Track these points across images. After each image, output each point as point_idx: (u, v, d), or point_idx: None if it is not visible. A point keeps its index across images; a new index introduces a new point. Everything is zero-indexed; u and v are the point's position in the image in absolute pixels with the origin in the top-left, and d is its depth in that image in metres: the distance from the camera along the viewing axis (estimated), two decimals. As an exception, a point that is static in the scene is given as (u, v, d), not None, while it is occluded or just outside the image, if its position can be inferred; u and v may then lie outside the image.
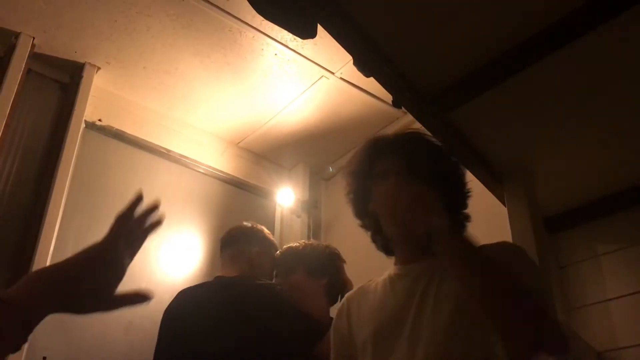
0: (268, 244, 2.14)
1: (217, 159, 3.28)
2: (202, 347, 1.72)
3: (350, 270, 2.52)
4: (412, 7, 1.35)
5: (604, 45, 1.41)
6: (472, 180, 1.88)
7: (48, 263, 2.35)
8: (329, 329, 1.41)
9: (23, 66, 2.57)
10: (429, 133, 1.41)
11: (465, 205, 1.32)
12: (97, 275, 0.75)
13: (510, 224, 1.71)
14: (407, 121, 3.06)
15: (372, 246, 2.99)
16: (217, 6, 2.48)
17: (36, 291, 0.71)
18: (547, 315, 1.04)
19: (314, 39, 2.59)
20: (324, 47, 2.66)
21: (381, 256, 2.96)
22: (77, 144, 2.65)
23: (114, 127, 2.88)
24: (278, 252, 2.12)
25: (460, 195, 1.32)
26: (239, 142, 3.35)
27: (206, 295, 1.90)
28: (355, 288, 1.40)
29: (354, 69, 1.61)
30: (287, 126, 3.20)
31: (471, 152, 1.75)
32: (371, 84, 2.83)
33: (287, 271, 2.01)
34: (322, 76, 2.84)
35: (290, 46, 2.67)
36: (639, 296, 1.93)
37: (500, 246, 1.23)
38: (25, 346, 2.17)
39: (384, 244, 1.34)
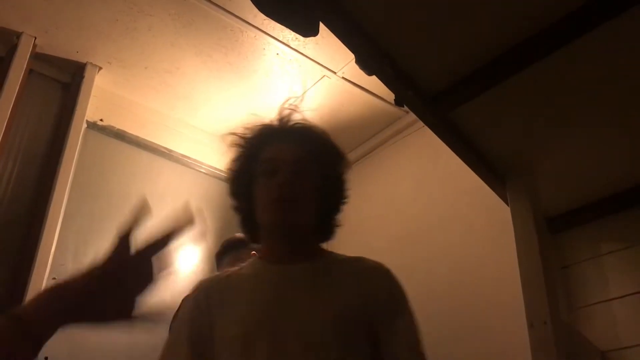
0: None
1: (219, 158, 3.27)
2: None
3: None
4: (414, 5, 1.35)
5: (607, 44, 1.40)
6: (475, 179, 1.90)
7: (49, 263, 2.35)
8: None
9: (24, 66, 2.57)
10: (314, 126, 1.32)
11: (338, 210, 1.28)
12: (107, 291, 0.73)
13: (513, 223, 1.70)
14: (409, 120, 3.05)
15: (374, 247, 2.99)
16: (219, 5, 2.47)
17: (47, 307, 0.70)
18: None
19: (316, 38, 2.62)
20: (326, 46, 2.66)
21: (382, 257, 2.94)
22: (79, 144, 2.65)
23: (115, 127, 2.88)
24: None
25: (338, 200, 1.28)
26: (240, 142, 3.34)
27: None
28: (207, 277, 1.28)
29: (356, 68, 1.61)
30: (288, 126, 3.19)
31: (473, 151, 1.74)
32: (373, 83, 2.83)
33: None
34: (324, 76, 2.83)
35: (292, 46, 2.67)
36: (642, 295, 1.92)
37: (374, 266, 1.23)
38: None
39: (252, 231, 1.26)
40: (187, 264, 2.94)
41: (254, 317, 1.10)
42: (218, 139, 3.29)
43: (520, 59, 1.44)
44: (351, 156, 3.38)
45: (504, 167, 1.81)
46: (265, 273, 1.19)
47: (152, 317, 0.75)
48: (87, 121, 2.76)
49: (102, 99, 2.86)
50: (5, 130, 2.42)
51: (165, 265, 0.78)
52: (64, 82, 2.82)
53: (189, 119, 3.16)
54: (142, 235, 0.75)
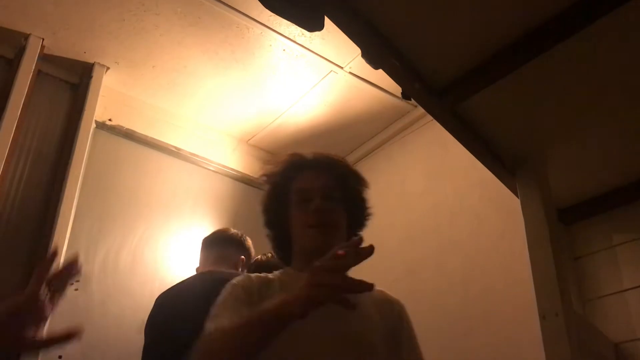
0: (251, 255, 2.21)
1: (228, 156, 3.28)
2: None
3: (360, 267, 2.51)
4: (420, -3, 1.34)
5: (618, 32, 1.39)
6: (484, 172, 1.88)
7: (61, 263, 2.37)
8: None
9: (33, 68, 2.59)
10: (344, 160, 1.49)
11: (363, 226, 1.45)
12: (18, 323, 0.86)
13: (523, 214, 1.69)
14: (417, 114, 3.04)
15: (384, 243, 2.99)
16: (225, 3, 2.47)
17: None
18: None
19: (322, 33, 2.61)
20: (332, 41, 2.65)
21: (391, 253, 2.95)
22: (88, 144, 2.66)
23: (124, 127, 2.89)
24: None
25: (363, 220, 1.45)
26: (249, 140, 3.35)
27: (200, 287, 1.86)
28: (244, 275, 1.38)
29: (363, 63, 1.60)
30: (297, 122, 3.19)
31: (482, 144, 1.73)
32: (380, 78, 2.82)
33: None
34: (331, 71, 2.83)
35: (298, 41, 2.66)
36: (655, 286, 1.90)
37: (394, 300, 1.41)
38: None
39: (286, 256, 1.40)
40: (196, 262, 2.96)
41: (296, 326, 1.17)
42: (226, 136, 3.30)
43: (528, 49, 1.42)
44: (360, 151, 3.38)
45: (513, 159, 1.80)
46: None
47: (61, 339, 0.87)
48: (95, 121, 2.78)
49: (111, 98, 2.87)
50: (15, 131, 2.44)
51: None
52: (72, 82, 2.83)
53: (197, 117, 3.16)
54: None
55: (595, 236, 2.11)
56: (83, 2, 2.48)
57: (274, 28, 2.59)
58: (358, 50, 1.50)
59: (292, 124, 3.21)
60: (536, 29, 1.39)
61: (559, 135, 1.76)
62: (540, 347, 1.50)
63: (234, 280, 1.30)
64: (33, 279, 0.92)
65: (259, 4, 1.40)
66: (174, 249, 2.82)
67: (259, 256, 2.20)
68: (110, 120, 2.85)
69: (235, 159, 3.30)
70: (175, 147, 3.06)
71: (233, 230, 2.29)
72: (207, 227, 3.03)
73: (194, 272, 2.23)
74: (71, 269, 0.94)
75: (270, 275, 1.34)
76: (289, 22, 2.48)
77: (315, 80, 2.89)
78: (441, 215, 2.73)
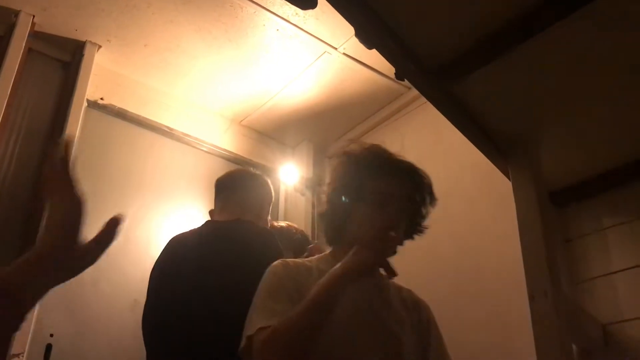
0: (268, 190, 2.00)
1: (221, 137, 3.27)
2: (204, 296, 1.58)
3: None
4: (415, -24, 1.33)
5: (610, 13, 1.38)
6: (477, 155, 1.89)
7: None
8: None
9: (23, 45, 2.55)
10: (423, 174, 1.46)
11: (414, 236, 1.47)
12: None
13: (515, 196, 1.70)
14: (411, 96, 3.03)
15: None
16: (218, -19, 2.45)
17: (24, 269, 0.71)
18: None
19: (316, 13, 2.59)
20: (327, 22, 2.63)
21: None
22: (80, 123, 2.64)
23: (116, 106, 2.87)
24: None
25: (417, 231, 1.47)
26: (242, 120, 3.33)
27: (205, 240, 1.75)
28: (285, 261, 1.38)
29: (357, 44, 1.59)
30: (290, 103, 3.18)
31: (475, 125, 1.73)
32: (375, 59, 2.81)
33: None
34: (325, 52, 2.81)
35: (292, 21, 2.64)
36: (644, 269, 1.92)
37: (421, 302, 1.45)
38: (32, 324, 2.19)
39: (336, 237, 1.40)
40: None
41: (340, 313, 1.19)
42: (219, 117, 3.29)
43: (522, 31, 1.42)
44: (353, 133, 3.38)
45: (506, 141, 1.80)
46: None
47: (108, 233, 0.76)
48: (87, 100, 2.75)
49: (102, 77, 2.84)
50: (5, 109, 2.41)
51: None
52: (63, 60, 2.80)
53: (189, 97, 3.14)
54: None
55: (586, 219, 2.12)
56: (74, -22, 2.44)
57: (267, 7, 2.57)
58: (352, 31, 1.49)
59: (285, 106, 3.20)
60: (530, 10, 1.38)
61: (552, 118, 1.76)
62: (529, 327, 1.52)
63: (274, 268, 1.30)
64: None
65: (253, -18, 1.38)
66: (166, 228, 2.82)
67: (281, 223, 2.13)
68: (102, 99, 2.83)
69: (228, 140, 3.29)
70: (168, 127, 3.04)
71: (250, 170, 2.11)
72: (199, 207, 3.03)
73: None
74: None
75: (307, 263, 1.35)
76: (282, 1, 2.46)
77: (308, 61, 2.87)
78: (433, 198, 2.73)
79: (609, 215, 2.07)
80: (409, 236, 1.44)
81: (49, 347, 2.27)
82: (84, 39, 2.76)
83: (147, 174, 2.90)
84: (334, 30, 2.69)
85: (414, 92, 2.92)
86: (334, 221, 1.39)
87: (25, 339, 2.12)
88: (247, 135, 3.38)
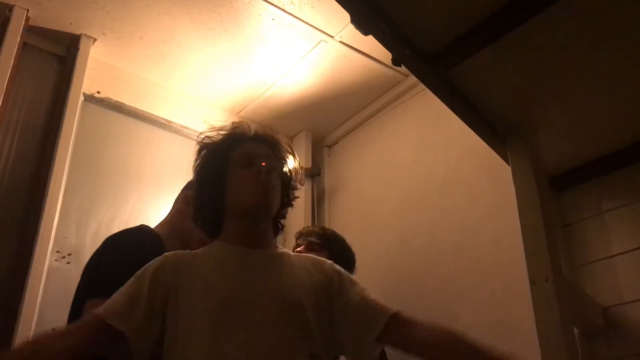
0: None
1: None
2: None
3: (354, 236, 2.52)
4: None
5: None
6: (476, 141, 1.88)
7: (52, 237, 2.36)
8: None
9: (18, 40, 2.53)
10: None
11: (288, 208, 1.50)
12: None
13: (514, 180, 1.70)
14: (409, 84, 3.03)
15: (376, 212, 2.99)
16: (212, -29, 2.43)
17: None
18: None
19: (312, 1, 2.57)
20: (322, 10, 2.62)
21: (384, 222, 2.96)
22: (77, 117, 2.63)
23: (112, 99, 2.86)
24: None
25: (289, 200, 1.49)
26: (239, 112, 3.32)
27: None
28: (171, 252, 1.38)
29: (354, 32, 1.58)
30: (287, 93, 3.17)
31: (473, 111, 1.72)
32: (372, 47, 2.79)
33: None
34: (322, 40, 2.79)
35: (287, 10, 2.62)
36: (644, 251, 1.92)
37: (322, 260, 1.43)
38: (35, 319, 2.19)
39: (212, 227, 1.41)
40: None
41: (225, 292, 1.23)
42: (217, 108, 3.28)
43: (518, 13, 1.41)
44: (351, 122, 3.37)
45: (505, 126, 1.80)
46: (231, 254, 1.33)
47: None
48: (84, 94, 2.74)
49: (98, 71, 2.83)
50: (1, 105, 2.40)
51: None
52: (59, 55, 2.78)
53: (186, 89, 3.13)
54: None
55: (585, 203, 2.12)
56: (67, -29, 2.43)
57: (262, -4, 2.55)
58: (348, 19, 1.48)
59: (282, 96, 3.19)
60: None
61: (550, 102, 1.75)
62: (530, 312, 1.52)
63: (146, 266, 1.29)
64: None
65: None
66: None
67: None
68: (98, 92, 2.82)
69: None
70: (166, 120, 3.03)
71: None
72: (199, 199, 3.03)
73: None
74: None
75: (207, 251, 1.36)
76: (277, -10, 2.44)
77: (305, 50, 2.86)
78: (433, 185, 2.73)
79: (608, 198, 2.07)
80: (286, 205, 1.47)
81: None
82: (78, 33, 2.74)
83: (145, 166, 2.89)
84: (330, 18, 2.67)
85: (412, 79, 2.91)
86: (209, 204, 1.40)
87: (27, 334, 2.12)
88: (245, 126, 3.37)
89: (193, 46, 2.82)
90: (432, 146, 2.84)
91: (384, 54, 2.34)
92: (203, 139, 1.48)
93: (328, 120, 3.40)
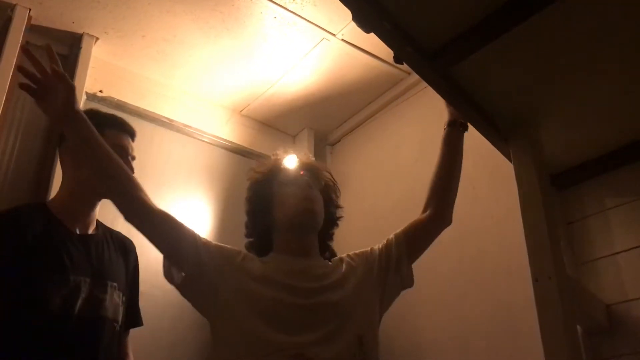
0: None
1: (221, 127, 3.26)
2: None
3: (357, 234, 2.53)
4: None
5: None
6: (479, 139, 1.87)
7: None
8: None
9: (20, 39, 2.54)
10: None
11: (334, 228, 1.75)
12: None
13: (516, 178, 1.69)
14: (411, 82, 3.02)
15: (379, 210, 2.99)
16: (213, -31, 2.43)
17: None
18: None
19: (313, -1, 2.56)
20: (324, 8, 2.61)
21: (387, 220, 2.96)
22: (79, 116, 2.63)
23: (115, 98, 2.86)
24: None
25: (334, 221, 1.74)
26: (241, 110, 3.32)
27: None
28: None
29: (355, 30, 1.58)
30: (289, 92, 3.17)
31: (475, 108, 1.72)
32: (373, 45, 2.79)
33: None
34: (324, 38, 2.79)
35: (289, 8, 2.62)
36: (647, 248, 1.92)
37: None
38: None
39: (262, 245, 1.63)
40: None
41: (282, 294, 1.45)
42: (219, 107, 3.28)
43: (521, 9, 1.40)
44: (354, 120, 3.37)
45: (507, 124, 1.79)
46: (285, 263, 1.54)
47: None
48: (86, 93, 2.75)
49: (101, 70, 2.83)
50: (4, 105, 2.40)
51: None
52: (61, 54, 2.77)
53: (188, 87, 3.13)
54: None
55: (588, 200, 2.11)
56: (69, -30, 2.43)
57: (264, -6, 2.55)
58: (350, 17, 1.47)
59: (284, 94, 3.19)
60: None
61: (552, 99, 1.75)
62: (533, 310, 1.52)
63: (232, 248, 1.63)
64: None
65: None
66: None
67: None
68: (101, 91, 2.82)
69: (229, 130, 3.28)
70: (168, 119, 3.04)
71: None
72: (201, 198, 3.03)
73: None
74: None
75: (264, 259, 1.60)
76: (279, -12, 2.44)
77: (307, 48, 2.85)
78: (435, 183, 2.72)
79: (611, 196, 2.06)
80: (331, 226, 1.71)
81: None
82: (80, 32, 2.75)
83: (147, 165, 2.89)
84: (331, 16, 2.67)
85: (414, 77, 2.91)
86: (262, 225, 1.63)
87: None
88: (248, 125, 3.37)
89: (195, 44, 2.82)
90: (435, 144, 2.81)
91: (386, 52, 2.33)
92: (251, 174, 1.73)
93: (330, 118, 3.40)
